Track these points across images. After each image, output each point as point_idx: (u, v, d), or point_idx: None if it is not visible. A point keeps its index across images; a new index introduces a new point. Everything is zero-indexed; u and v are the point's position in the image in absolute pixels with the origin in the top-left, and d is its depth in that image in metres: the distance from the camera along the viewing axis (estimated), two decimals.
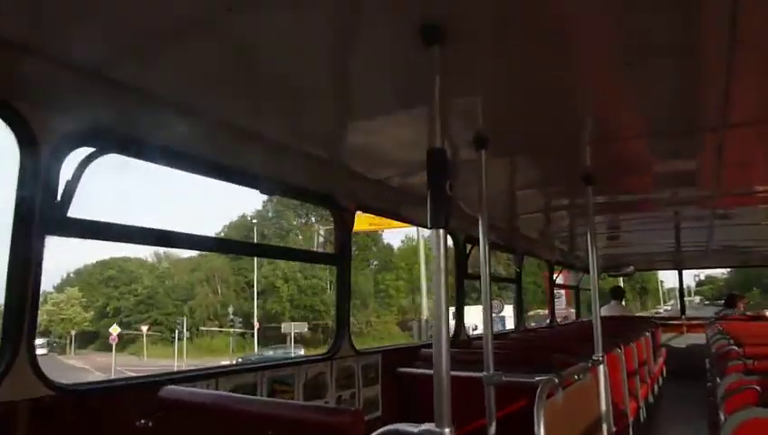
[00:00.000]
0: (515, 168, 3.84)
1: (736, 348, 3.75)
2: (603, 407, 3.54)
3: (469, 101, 2.62)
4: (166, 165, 2.63)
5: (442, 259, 1.69)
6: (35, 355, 2.04)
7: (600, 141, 3.33)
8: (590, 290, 4.14)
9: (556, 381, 2.58)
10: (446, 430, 1.61)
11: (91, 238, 2.34)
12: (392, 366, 3.97)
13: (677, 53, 2.18)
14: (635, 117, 2.96)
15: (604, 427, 3.49)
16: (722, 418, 2.26)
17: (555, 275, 8.63)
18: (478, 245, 5.81)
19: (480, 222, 3.03)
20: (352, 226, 3.72)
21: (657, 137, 3.29)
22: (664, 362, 8.75)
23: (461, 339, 5.26)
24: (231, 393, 2.29)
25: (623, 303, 10.70)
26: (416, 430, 1.68)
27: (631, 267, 10.91)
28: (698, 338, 9.24)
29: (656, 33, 2.05)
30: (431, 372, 3.63)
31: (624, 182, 4.39)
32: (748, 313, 8.22)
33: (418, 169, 3.49)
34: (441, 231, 1.69)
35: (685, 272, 10.97)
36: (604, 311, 9.96)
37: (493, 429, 2.78)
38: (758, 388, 2.13)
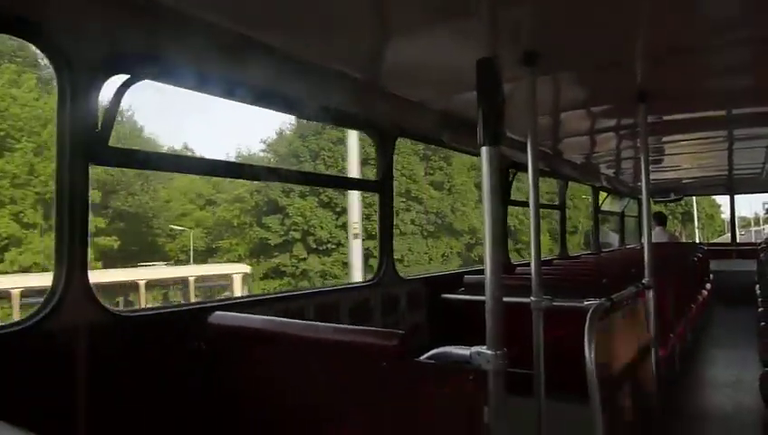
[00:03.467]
0: (565, 86, 3.63)
1: None
2: (652, 331, 3.49)
3: (517, 13, 2.44)
4: (203, 91, 2.58)
5: (491, 179, 1.60)
6: (89, 282, 2.08)
7: (656, 55, 3.10)
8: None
9: (607, 305, 2.52)
10: (498, 352, 1.58)
11: (133, 168, 2.33)
12: (436, 293, 3.98)
13: None
14: (692, 28, 2.72)
15: (652, 351, 3.45)
16: None
17: (601, 201, 8.44)
18: (524, 170, 5.68)
19: (529, 145, 2.91)
20: (393, 152, 3.64)
21: (714, 49, 3.04)
22: (713, 288, 8.59)
23: (504, 264, 5.23)
24: (278, 318, 2.32)
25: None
26: (467, 351, 1.66)
27: (680, 193, 10.57)
28: (748, 264, 8.99)
29: None
30: (476, 298, 3.63)
31: (679, 99, 4.13)
32: None
33: (463, 89, 3.35)
34: (492, 149, 1.59)
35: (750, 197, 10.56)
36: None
37: (541, 353, 2.77)
38: None
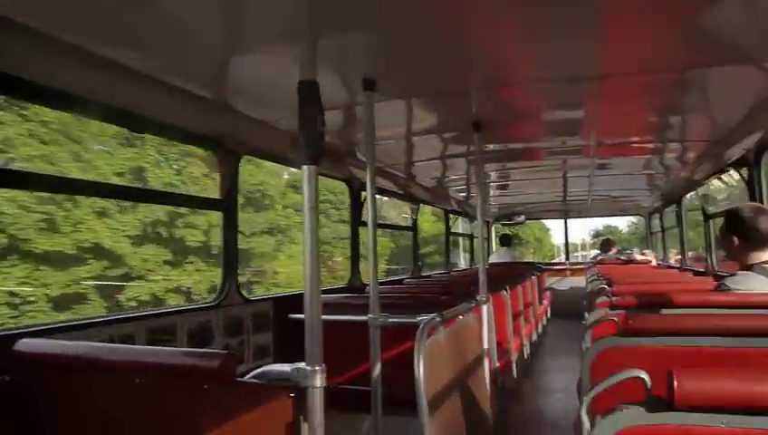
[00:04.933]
0: (406, 112, 3.81)
1: (606, 287, 4.04)
2: (486, 345, 3.73)
3: (353, 39, 2.53)
4: (36, 102, 2.38)
5: (313, 199, 1.62)
6: None
7: (488, 87, 3.36)
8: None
9: (438, 320, 2.64)
10: (317, 368, 1.60)
11: None
12: (284, 313, 3.94)
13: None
14: (523, 62, 2.97)
15: (486, 364, 3.68)
16: (583, 349, 2.43)
17: (452, 223, 8.90)
18: (376, 193, 5.84)
19: (368, 167, 3.01)
20: (237, 170, 3.57)
21: (542, 84, 3.35)
22: (549, 303, 9.40)
23: (355, 285, 5.32)
24: (96, 343, 2.15)
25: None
26: (288, 368, 1.66)
27: (522, 217, 11.49)
28: (580, 281, 10.00)
29: None
30: (323, 317, 3.62)
31: (512, 130, 4.51)
32: (621, 256, 8.96)
33: None
34: (312, 168, 1.62)
35: (579, 223, 11.69)
36: (494, 257, 10.49)
37: (377, 369, 2.84)
38: (616, 319, 2.30)
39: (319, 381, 1.59)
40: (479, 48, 2.74)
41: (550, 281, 10.60)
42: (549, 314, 9.40)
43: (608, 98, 3.62)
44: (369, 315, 2.87)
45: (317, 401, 1.58)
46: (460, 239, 11.87)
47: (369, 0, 2.14)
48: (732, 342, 1.94)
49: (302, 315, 4.01)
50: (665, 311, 2.53)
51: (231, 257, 3.57)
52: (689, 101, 3.76)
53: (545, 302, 9.24)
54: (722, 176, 5.13)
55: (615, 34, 2.56)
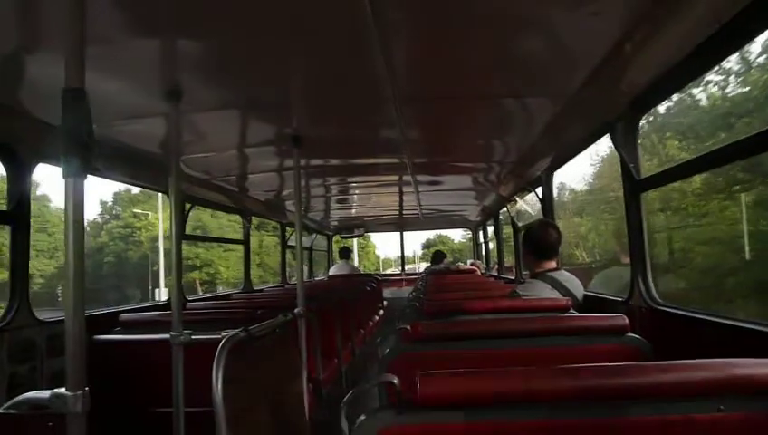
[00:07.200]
0: (224, 124, 3.72)
1: (421, 296, 4.25)
2: (304, 357, 3.74)
3: (149, 50, 2.42)
4: None
5: (77, 213, 1.48)
6: None
7: (299, 104, 3.39)
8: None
9: (242, 335, 2.59)
10: (78, 393, 1.47)
11: None
12: (89, 334, 3.62)
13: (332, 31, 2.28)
14: (325, 80, 2.99)
15: (304, 376, 3.69)
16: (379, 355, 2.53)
17: (288, 236, 8.85)
18: (200, 204, 5.62)
19: (171, 177, 2.89)
20: (30, 179, 3.24)
21: (358, 105, 3.46)
22: (384, 312, 9.73)
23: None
24: None
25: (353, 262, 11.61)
26: (47, 395, 1.52)
27: (361, 230, 11.82)
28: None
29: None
30: (134, 337, 3.39)
31: (333, 147, 4.60)
32: (450, 267, 9.57)
33: (110, 118, 3.19)
34: (78, 181, 1.50)
35: (411, 235, 12.21)
36: (334, 269, 10.67)
37: (179, 389, 2.73)
38: (408, 328, 2.40)
39: (80, 407, 1.48)
40: (284, 63, 2.72)
41: (386, 292, 10.97)
42: (384, 322, 9.72)
43: (424, 120, 3.85)
44: (172, 333, 2.76)
45: (78, 430, 1.47)
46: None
47: (153, 9, 2.05)
48: (498, 344, 2.15)
49: (109, 337, 3.73)
50: (461, 317, 2.72)
51: (21, 274, 3.21)
52: (497, 125, 4.12)
53: (381, 311, 9.55)
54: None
55: (423, 59, 2.71)
